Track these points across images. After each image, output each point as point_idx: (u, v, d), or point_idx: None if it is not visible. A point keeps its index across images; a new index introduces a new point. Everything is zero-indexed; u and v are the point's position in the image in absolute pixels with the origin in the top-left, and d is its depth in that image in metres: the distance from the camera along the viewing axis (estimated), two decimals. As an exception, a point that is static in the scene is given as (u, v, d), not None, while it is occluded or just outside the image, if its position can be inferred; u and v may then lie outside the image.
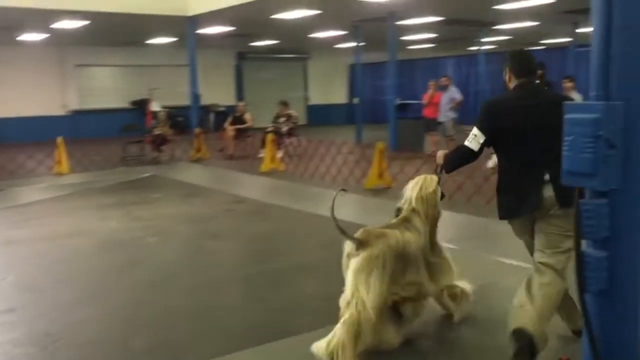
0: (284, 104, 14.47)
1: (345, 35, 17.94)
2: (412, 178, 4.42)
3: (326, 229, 7.25)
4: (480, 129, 3.60)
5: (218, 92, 22.47)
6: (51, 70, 19.79)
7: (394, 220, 4.05)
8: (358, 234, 3.92)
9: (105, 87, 21.13)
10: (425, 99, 13.71)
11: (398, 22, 13.46)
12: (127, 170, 12.39)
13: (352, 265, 3.82)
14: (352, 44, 17.98)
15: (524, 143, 3.49)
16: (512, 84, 3.70)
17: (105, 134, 16.01)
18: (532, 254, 3.62)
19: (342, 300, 3.78)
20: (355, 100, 17.54)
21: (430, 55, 24.33)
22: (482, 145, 3.60)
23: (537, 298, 3.35)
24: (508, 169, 3.62)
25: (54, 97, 19.81)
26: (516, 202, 3.52)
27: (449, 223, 7.38)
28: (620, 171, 2.12)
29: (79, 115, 20.15)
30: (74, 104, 20.29)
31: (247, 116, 14.68)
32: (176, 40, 18.17)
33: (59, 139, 12.08)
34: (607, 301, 2.21)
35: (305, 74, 25.23)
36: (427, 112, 13.59)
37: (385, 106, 22.92)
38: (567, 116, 2.24)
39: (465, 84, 20.48)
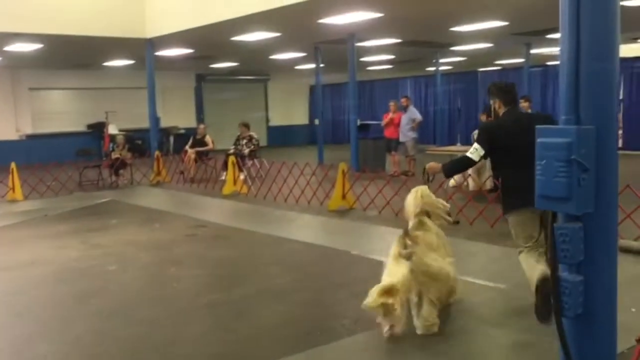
0: (245, 125, 14.37)
1: (305, 56, 18.04)
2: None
3: (290, 252, 7.22)
4: (480, 144, 4.65)
5: (178, 115, 22.26)
6: (4, 93, 19.26)
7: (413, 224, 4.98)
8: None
9: (61, 110, 20.66)
10: (385, 120, 13.85)
11: (358, 44, 13.60)
12: (84, 195, 12.07)
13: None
14: (313, 65, 18.08)
15: (515, 154, 4.51)
16: (501, 110, 4.82)
17: (61, 159, 15.54)
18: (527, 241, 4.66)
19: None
20: (316, 121, 17.59)
21: (389, 76, 24.68)
22: (481, 157, 4.69)
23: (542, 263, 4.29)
24: (508, 175, 4.69)
25: (7, 121, 19.25)
26: (521, 199, 4.40)
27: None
28: (593, 195, 2.14)
29: (33, 139, 19.62)
30: (28, 128, 19.75)
31: (208, 138, 14.52)
32: (134, 63, 17.93)
33: (13, 165, 11.70)
34: (584, 325, 2.21)
35: (266, 95, 25.24)
36: (388, 133, 13.72)
37: (345, 126, 23.15)
38: (539, 140, 2.26)
39: (424, 103, 20.85)
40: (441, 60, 20.66)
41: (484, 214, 7.91)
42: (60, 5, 11.92)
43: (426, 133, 18.93)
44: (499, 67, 23.58)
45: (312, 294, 5.59)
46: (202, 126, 15.50)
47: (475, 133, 10.68)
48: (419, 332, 4.38)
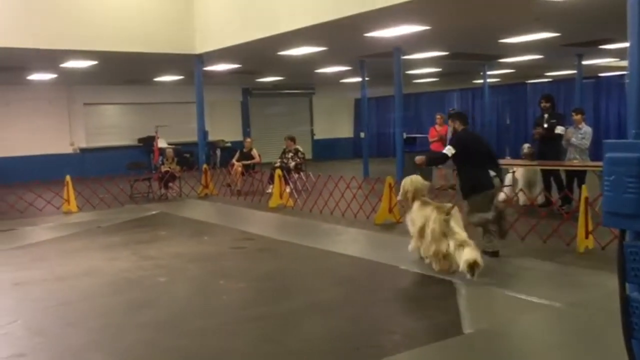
0: (291, 139, 14.48)
1: (350, 70, 18.08)
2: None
3: (337, 265, 7.18)
4: (454, 147, 6.98)
5: (225, 128, 22.60)
6: (59, 109, 19.96)
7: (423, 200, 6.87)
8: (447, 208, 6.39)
9: (113, 124, 21.28)
10: (432, 133, 13.73)
11: (404, 57, 13.53)
12: (135, 208, 12.34)
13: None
14: (358, 79, 18.09)
15: (476, 156, 6.96)
16: (460, 128, 7.27)
17: (113, 172, 16.00)
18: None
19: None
20: (362, 135, 17.55)
21: (435, 88, 24.49)
22: (452, 155, 6.94)
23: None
24: (471, 171, 6.97)
25: (62, 135, 19.93)
26: (480, 186, 6.86)
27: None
28: (665, 212, 2.03)
29: (86, 153, 20.24)
30: (82, 142, 20.40)
31: (255, 152, 14.69)
32: (183, 78, 18.33)
33: (67, 178, 12.08)
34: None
35: (311, 109, 25.38)
36: (434, 146, 13.58)
37: (391, 140, 23.02)
38: (607, 155, 2.16)
39: (471, 116, 20.55)
40: (489, 73, 20.35)
41: (536, 229, 7.70)
42: (114, 23, 12.30)
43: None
44: (549, 79, 23.08)
45: (360, 308, 5.54)
46: (248, 140, 15.69)
47: (526, 146, 10.48)
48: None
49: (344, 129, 26.00)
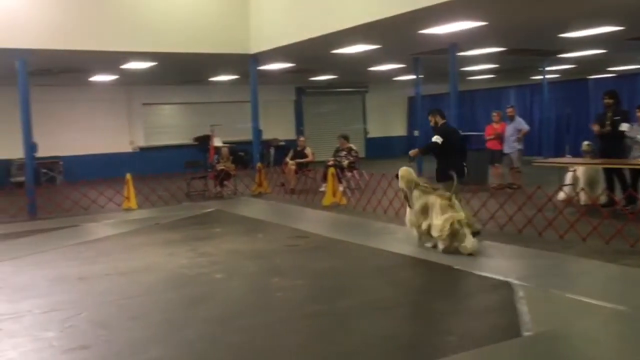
0: (344, 137, 14.49)
1: (404, 67, 17.92)
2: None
3: (391, 265, 7.14)
4: (441, 136, 8.28)
5: (278, 127, 22.81)
6: (119, 109, 20.62)
7: (422, 187, 7.75)
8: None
9: (170, 124, 21.82)
10: (488, 131, 13.46)
11: (459, 54, 13.31)
12: (191, 205, 12.62)
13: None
14: (412, 77, 17.91)
15: (454, 147, 8.33)
16: (440, 122, 8.54)
17: (170, 170, 16.41)
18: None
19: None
20: (416, 133, 17.36)
21: (491, 85, 23.98)
22: (441, 143, 8.23)
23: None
24: (447, 160, 8.22)
25: (122, 135, 20.58)
26: (457, 174, 7.65)
27: (518, 258, 7.15)
28: None
29: (145, 151, 20.83)
30: (141, 141, 21.01)
31: (308, 150, 14.77)
32: (238, 78, 18.61)
33: (128, 176, 12.47)
34: None
35: (364, 107, 25.31)
36: (490, 144, 13.32)
37: (445, 138, 22.66)
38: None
39: (529, 114, 20.00)
40: (548, 68, 19.78)
41: (599, 230, 7.44)
42: (173, 25, 12.61)
43: (531, 144, 18.12)
44: (612, 74, 22.23)
45: (415, 308, 5.50)
46: (302, 138, 15.79)
47: (585, 143, 10.20)
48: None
49: (397, 127, 25.80)
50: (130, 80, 18.51)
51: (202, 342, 4.69)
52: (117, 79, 17.88)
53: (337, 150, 14.34)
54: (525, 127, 13.06)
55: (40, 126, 13.28)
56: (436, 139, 8.30)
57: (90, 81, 17.92)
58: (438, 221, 7.09)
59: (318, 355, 4.42)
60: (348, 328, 5.00)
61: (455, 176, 7.58)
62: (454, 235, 7.01)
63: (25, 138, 12.10)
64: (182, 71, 16.88)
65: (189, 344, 4.66)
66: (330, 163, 13.53)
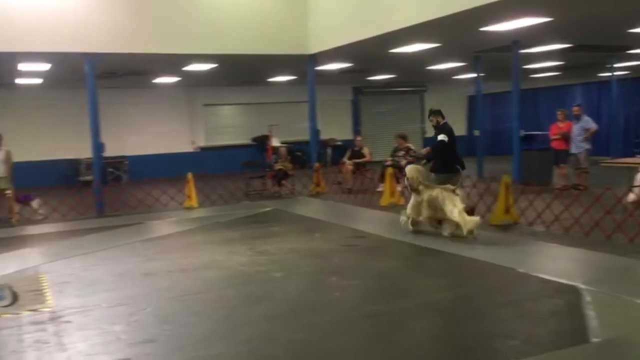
0: (403, 137, 14.34)
1: (464, 66, 17.61)
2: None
3: (451, 266, 7.03)
4: (446, 135, 8.93)
5: (335, 127, 22.84)
6: (181, 110, 21.16)
7: (427, 184, 8.66)
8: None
9: (230, 124, 22.22)
10: (553, 130, 13.05)
11: (522, 51, 12.97)
12: (250, 204, 12.80)
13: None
14: (471, 75, 17.58)
15: (455, 145, 9.04)
16: (441, 121, 9.26)
17: (229, 169, 16.72)
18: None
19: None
20: (476, 132, 17.02)
21: (555, 83, 23.23)
22: (448, 141, 8.89)
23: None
24: (449, 155, 8.94)
25: (183, 135, 21.12)
26: (458, 167, 8.91)
27: (585, 262, 6.91)
28: None
29: (205, 151, 21.29)
30: (201, 141, 21.48)
31: (366, 150, 14.73)
32: (296, 78, 18.76)
33: (189, 175, 12.77)
34: None
35: (422, 106, 25.01)
36: (555, 144, 12.92)
37: (506, 137, 22.12)
38: None
39: (596, 112, 19.27)
40: (616, 65, 18.99)
41: (672, 234, 7.09)
42: (232, 27, 12.84)
43: (598, 144, 17.48)
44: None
45: (474, 310, 5.40)
46: (359, 138, 15.76)
47: None
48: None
49: (456, 127, 25.18)
50: (192, 81, 18.96)
51: (261, 340, 4.75)
52: (179, 81, 18.36)
53: (395, 150, 14.22)
54: (593, 126, 12.60)
55: (106, 127, 13.76)
56: (443, 137, 9.06)
57: (154, 83, 18.47)
58: (455, 209, 8.11)
59: (376, 355, 4.40)
60: (406, 329, 4.96)
61: (460, 169, 9.03)
62: (458, 225, 8.15)
63: (93, 138, 12.58)
64: (241, 72, 17.17)
65: (249, 341, 4.74)
66: (388, 163, 13.44)
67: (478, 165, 16.20)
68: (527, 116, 20.28)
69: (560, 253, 7.32)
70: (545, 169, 13.04)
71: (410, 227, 8.80)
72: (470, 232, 8.05)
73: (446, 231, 8.40)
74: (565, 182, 12.46)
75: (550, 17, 10.15)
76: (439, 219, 8.53)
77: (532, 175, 12.67)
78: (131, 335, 4.93)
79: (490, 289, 6.12)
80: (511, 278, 6.35)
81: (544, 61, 17.68)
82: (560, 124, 12.93)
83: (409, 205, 8.83)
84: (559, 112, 13.18)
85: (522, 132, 13.75)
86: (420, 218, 8.66)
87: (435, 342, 4.61)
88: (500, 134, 23.43)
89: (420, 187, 8.60)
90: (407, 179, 8.80)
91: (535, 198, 9.27)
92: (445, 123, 9.40)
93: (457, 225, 8.19)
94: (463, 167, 9.21)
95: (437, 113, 9.54)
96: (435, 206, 8.38)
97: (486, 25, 10.61)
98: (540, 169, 13.05)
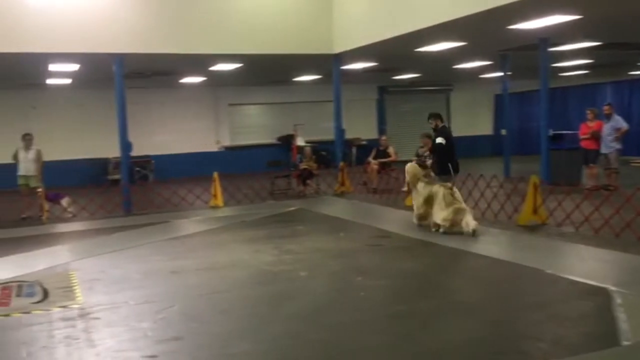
0: (428, 136, 14.22)
1: (491, 64, 17.42)
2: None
3: (477, 267, 6.96)
4: (444, 137, 9.93)
5: (360, 126, 22.79)
6: (206, 109, 21.32)
7: (426, 181, 9.18)
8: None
9: (254, 124, 22.32)
10: (583, 129, 12.83)
11: (550, 49, 12.77)
12: (275, 204, 12.84)
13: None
14: (499, 74, 17.38)
15: (453, 147, 10.06)
16: (440, 125, 10.25)
17: (254, 169, 16.81)
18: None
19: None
20: (503, 132, 16.82)
21: (584, 81, 22.85)
22: (445, 144, 9.92)
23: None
24: (446, 157, 9.85)
25: (209, 134, 21.28)
26: (453, 170, 9.88)
27: (615, 263, 6.78)
28: None
29: (230, 151, 21.42)
30: (226, 141, 21.62)
31: (391, 150, 14.67)
32: (320, 77, 18.76)
33: (215, 174, 12.86)
34: None
35: (448, 106, 24.82)
36: (585, 143, 12.71)
37: (534, 137, 21.80)
38: None
39: (627, 112, 18.88)
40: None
41: None
42: (258, 27, 12.90)
43: (628, 144, 17.13)
44: None
45: (502, 312, 5.34)
46: (384, 138, 15.70)
47: None
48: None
49: (482, 126, 25.12)
50: (217, 81, 19.10)
51: (287, 338, 4.77)
52: (204, 81, 18.50)
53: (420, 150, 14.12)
54: (624, 125, 12.36)
55: (133, 126, 13.94)
56: (441, 140, 9.97)
57: (180, 83, 18.65)
58: (444, 212, 8.45)
59: (403, 356, 4.38)
60: (433, 329, 4.92)
61: (452, 170, 9.90)
62: (454, 224, 8.41)
63: (121, 138, 12.75)
64: (266, 72, 17.23)
65: (275, 339, 4.75)
66: (413, 162, 13.34)
67: (505, 164, 16.01)
68: (556, 115, 19.95)
69: (590, 254, 7.20)
70: (574, 169, 12.84)
71: (416, 222, 9.22)
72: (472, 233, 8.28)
73: (470, 227, 8.40)
74: (595, 182, 12.25)
75: (579, 15, 9.98)
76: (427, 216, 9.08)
77: (561, 175, 12.47)
78: (158, 333, 4.98)
79: (517, 291, 6.04)
80: (539, 279, 6.26)
81: (573, 59, 17.40)
82: (590, 123, 12.72)
83: (415, 203, 9.28)
84: (588, 111, 12.97)
85: (551, 132, 13.54)
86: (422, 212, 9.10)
87: (463, 343, 4.57)
88: (527, 134, 23.13)
89: (420, 184, 9.12)
90: (406, 175, 9.52)
91: (564, 198, 9.12)
92: (444, 126, 10.37)
93: (437, 227, 8.67)
94: (457, 171, 10.04)
95: (436, 116, 10.38)
96: (430, 202, 8.88)
97: (513, 23, 10.48)
98: (570, 169, 12.85)
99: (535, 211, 9.03)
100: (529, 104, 22.75)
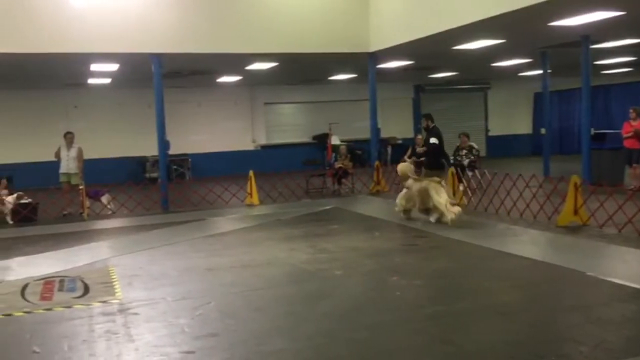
0: (466, 135, 14.10)
1: (530, 62, 17.10)
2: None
3: (515, 268, 6.84)
4: (436, 137, 11.17)
5: (395, 125, 22.67)
6: (243, 108, 21.50)
7: (415, 178, 10.10)
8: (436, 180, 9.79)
9: (290, 122, 22.41)
10: (626, 128, 12.49)
11: (592, 46, 12.46)
12: (310, 202, 12.87)
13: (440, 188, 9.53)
14: (538, 72, 17.05)
15: (443, 145, 11.38)
16: (431, 125, 11.31)
17: (290, 167, 16.87)
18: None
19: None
20: (542, 131, 16.49)
21: (628, 79, 22.22)
22: (438, 144, 11.25)
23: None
24: (438, 156, 11.38)
25: (245, 133, 21.47)
26: (445, 165, 11.60)
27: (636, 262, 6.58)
28: None
29: (266, 149, 21.56)
30: (262, 139, 21.77)
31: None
32: (356, 76, 18.72)
33: (251, 172, 12.96)
34: None
35: (486, 104, 24.48)
36: (628, 143, 12.38)
37: (575, 136, 21.34)
38: None
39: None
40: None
41: None
42: (294, 26, 12.94)
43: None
44: None
45: (541, 314, 5.23)
46: (419, 137, 15.53)
47: None
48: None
49: (521, 125, 24.69)
50: (253, 80, 19.24)
51: (322, 337, 4.76)
52: (240, 80, 18.66)
53: (457, 149, 13.99)
54: (669, 124, 12.00)
55: (170, 125, 14.16)
56: (434, 140, 11.18)
57: (217, 82, 18.85)
58: (442, 199, 9.25)
59: (439, 357, 4.33)
60: (470, 331, 4.86)
61: (445, 165, 11.43)
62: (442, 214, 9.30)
63: (159, 136, 12.96)
64: (302, 71, 17.28)
65: (310, 338, 4.76)
66: (450, 162, 13.21)
67: (544, 164, 15.70)
68: (598, 114, 19.49)
69: (633, 257, 7.00)
70: (617, 169, 12.52)
71: (402, 215, 10.06)
72: (453, 220, 9.04)
73: (433, 217, 9.55)
74: (638, 182, 11.92)
75: (623, 11, 9.71)
76: (427, 208, 9.69)
77: (603, 175, 12.16)
78: (195, 329, 5.04)
79: (557, 292, 5.92)
80: (580, 281, 6.11)
81: (615, 57, 16.95)
82: (633, 122, 12.40)
83: (400, 196, 10.16)
84: (631, 110, 12.64)
85: (592, 131, 13.24)
86: (410, 206, 9.99)
87: (501, 345, 4.49)
88: (568, 133, 22.66)
89: (410, 181, 9.94)
90: (398, 173, 10.49)
91: (606, 199, 8.89)
92: (435, 127, 11.31)
93: (441, 214, 9.32)
94: (449, 163, 11.73)
95: (427, 117, 11.46)
96: (424, 196, 9.57)
97: (554, 20, 10.27)
98: (612, 168, 12.54)
99: (575, 212, 8.83)
100: (570, 102, 22.27)
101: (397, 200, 10.21)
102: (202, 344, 4.68)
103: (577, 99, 19.23)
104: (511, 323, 4.98)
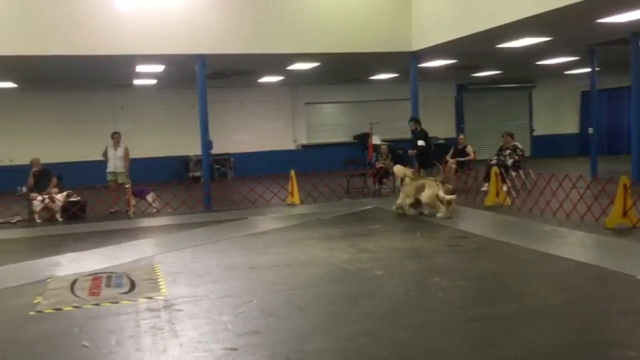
0: (510, 135, 13.87)
1: (577, 60, 16.67)
2: None
3: (561, 270, 6.69)
4: (423, 140, 12.62)
5: (437, 125, 22.38)
6: (284, 108, 21.63)
7: (413, 177, 11.03)
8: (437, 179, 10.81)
9: (331, 122, 22.43)
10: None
11: (643, 43, 12.07)
12: (350, 202, 12.87)
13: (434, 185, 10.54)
14: (586, 70, 16.61)
15: (430, 145, 13.01)
16: (418, 127, 12.81)
17: (331, 167, 16.89)
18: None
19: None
20: (590, 130, 16.06)
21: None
22: (426, 145, 12.67)
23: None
24: (427, 155, 12.71)
25: (286, 133, 21.60)
26: (434, 162, 12.72)
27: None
28: None
29: (307, 149, 21.64)
30: (303, 139, 21.86)
31: (470, 148, 14.37)
32: (397, 76, 18.60)
33: (292, 172, 13.04)
34: None
35: (530, 103, 23.98)
36: (680, 142, 11.92)
37: (624, 135, 20.70)
38: None
39: None
40: None
41: None
42: (336, 26, 12.95)
43: None
44: None
45: (588, 318, 5.10)
46: (462, 136, 15.38)
47: None
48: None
49: (567, 124, 24.09)
50: (294, 80, 19.34)
51: (364, 337, 4.76)
52: (282, 80, 18.78)
53: (501, 149, 13.77)
54: None
55: (213, 125, 14.36)
56: (422, 143, 12.46)
57: (258, 82, 19.02)
58: (427, 193, 10.25)
59: (484, 358, 4.27)
60: (514, 334, 4.78)
61: (437, 164, 12.44)
62: (433, 205, 10.26)
63: (202, 136, 13.17)
64: (343, 70, 17.28)
65: (351, 337, 4.76)
66: (493, 162, 13.02)
67: (592, 164, 15.29)
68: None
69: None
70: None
71: (399, 211, 10.85)
72: (445, 213, 10.09)
73: (441, 213, 10.23)
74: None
75: (678, 5, 9.38)
76: (417, 202, 10.54)
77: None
78: (238, 326, 5.10)
79: (605, 296, 5.77)
80: (629, 285, 5.94)
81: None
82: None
83: (400, 196, 10.94)
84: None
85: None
86: (408, 202, 10.68)
87: (546, 348, 4.40)
88: (617, 132, 22.02)
89: (406, 180, 10.76)
90: (395, 175, 11.43)
91: (658, 201, 8.61)
92: (422, 129, 12.61)
93: (436, 208, 10.23)
94: (433, 165, 12.67)
95: (416, 121, 12.78)
96: (420, 192, 10.40)
97: (603, 16, 9.99)
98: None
99: (625, 214, 8.58)
100: (619, 101, 21.62)
101: (398, 201, 10.92)
102: (245, 341, 4.74)
103: (626, 97, 18.66)
104: (557, 326, 4.88)
